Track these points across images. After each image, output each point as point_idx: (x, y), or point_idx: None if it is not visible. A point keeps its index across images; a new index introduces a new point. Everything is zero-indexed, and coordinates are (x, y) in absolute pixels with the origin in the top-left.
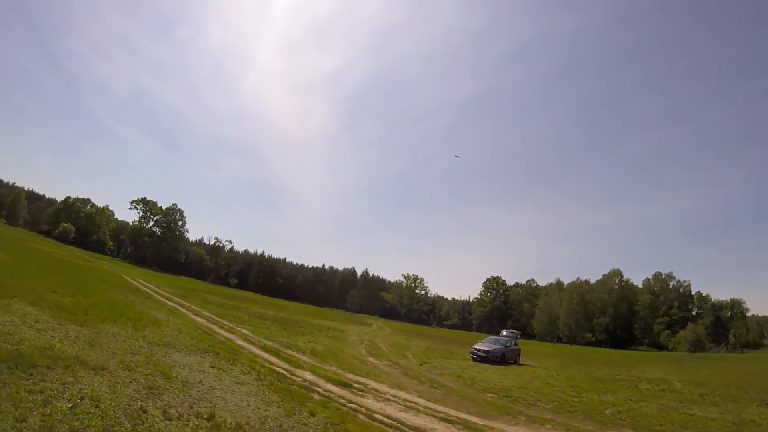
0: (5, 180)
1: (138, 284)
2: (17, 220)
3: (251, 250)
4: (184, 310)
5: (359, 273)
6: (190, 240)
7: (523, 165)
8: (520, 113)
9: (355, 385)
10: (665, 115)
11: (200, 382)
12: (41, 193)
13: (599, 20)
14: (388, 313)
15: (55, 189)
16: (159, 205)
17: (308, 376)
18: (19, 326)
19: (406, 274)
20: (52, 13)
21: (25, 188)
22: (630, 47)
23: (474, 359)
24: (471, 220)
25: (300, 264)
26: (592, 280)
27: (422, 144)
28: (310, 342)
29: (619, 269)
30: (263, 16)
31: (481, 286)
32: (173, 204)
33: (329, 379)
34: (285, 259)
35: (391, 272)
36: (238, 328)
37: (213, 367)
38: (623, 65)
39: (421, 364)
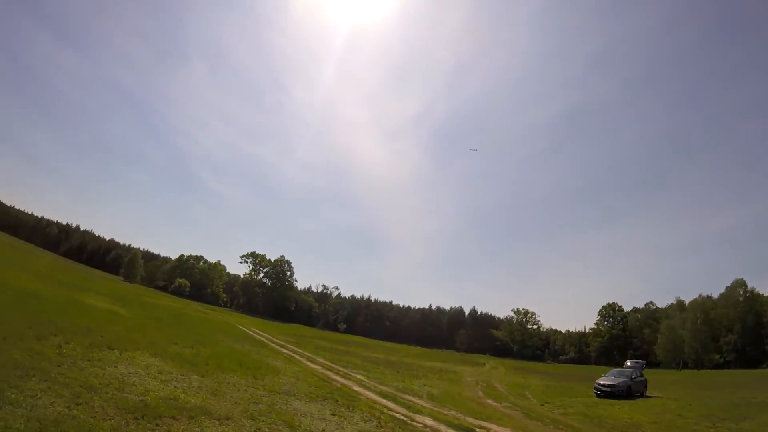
0: (123, 242)
1: (253, 333)
2: (134, 278)
3: (357, 295)
4: (299, 357)
5: (467, 311)
6: (299, 288)
7: (625, 179)
8: (613, 123)
9: (478, 430)
10: None
11: (323, 430)
12: (156, 252)
13: (673, 10)
14: (500, 351)
15: (170, 248)
16: (267, 257)
17: (429, 421)
18: (143, 378)
19: (516, 309)
20: (151, 92)
21: (141, 248)
22: (714, 28)
23: (598, 395)
24: (578, 245)
25: (406, 306)
26: (715, 295)
27: (515, 172)
28: (425, 385)
29: (742, 279)
30: (343, 73)
31: (596, 315)
32: (281, 256)
33: (450, 424)
34: (391, 301)
35: (500, 308)
36: (353, 374)
37: (334, 414)
38: (713, 49)
39: (542, 404)
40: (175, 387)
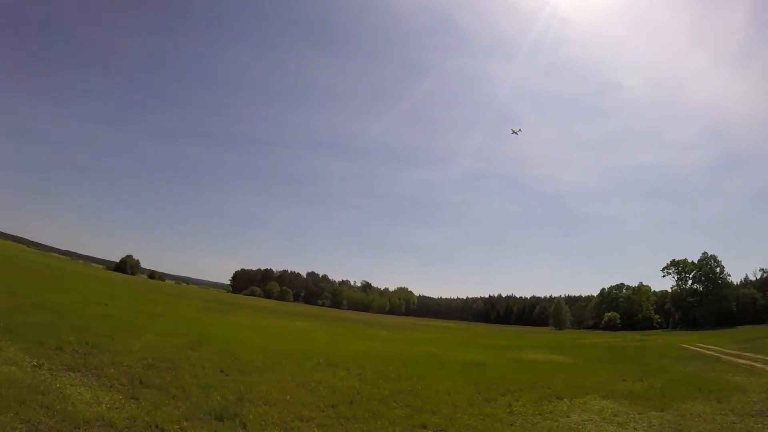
0: (543, 295)
1: (699, 349)
2: (564, 324)
3: None
4: (760, 365)
5: None
6: (735, 283)
7: None
8: None
9: None
10: None
11: None
12: (576, 294)
13: None
14: None
15: (590, 287)
16: (689, 260)
17: None
18: (599, 424)
19: None
20: (492, 157)
21: (563, 295)
22: None
23: None
24: None
25: None
26: None
27: None
28: None
29: None
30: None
31: None
32: (704, 253)
33: None
34: None
35: None
36: None
37: None
38: None
39: None
40: (634, 429)
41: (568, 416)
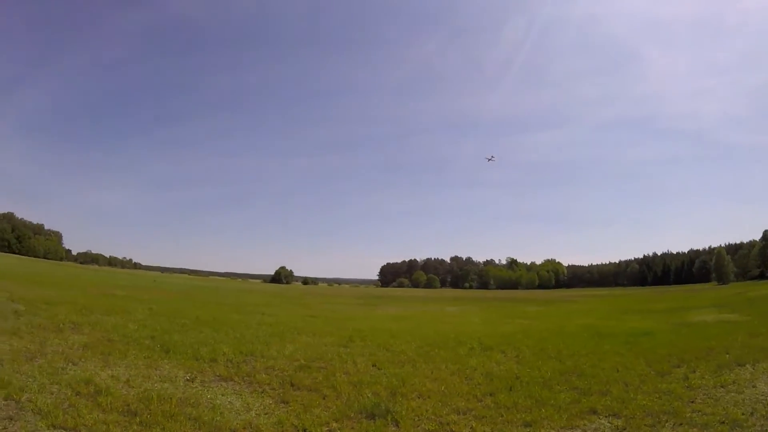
0: (701, 247)
1: None
2: (727, 277)
3: None
4: None
5: None
6: None
7: None
8: None
9: None
10: None
11: None
12: (737, 242)
13: None
14: None
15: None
16: None
17: None
18: None
19: None
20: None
21: (722, 244)
22: None
23: None
24: None
25: None
26: None
27: None
28: None
29: None
30: None
31: None
32: None
33: None
34: None
35: None
36: None
37: None
38: None
39: None
40: None
41: (753, 386)
